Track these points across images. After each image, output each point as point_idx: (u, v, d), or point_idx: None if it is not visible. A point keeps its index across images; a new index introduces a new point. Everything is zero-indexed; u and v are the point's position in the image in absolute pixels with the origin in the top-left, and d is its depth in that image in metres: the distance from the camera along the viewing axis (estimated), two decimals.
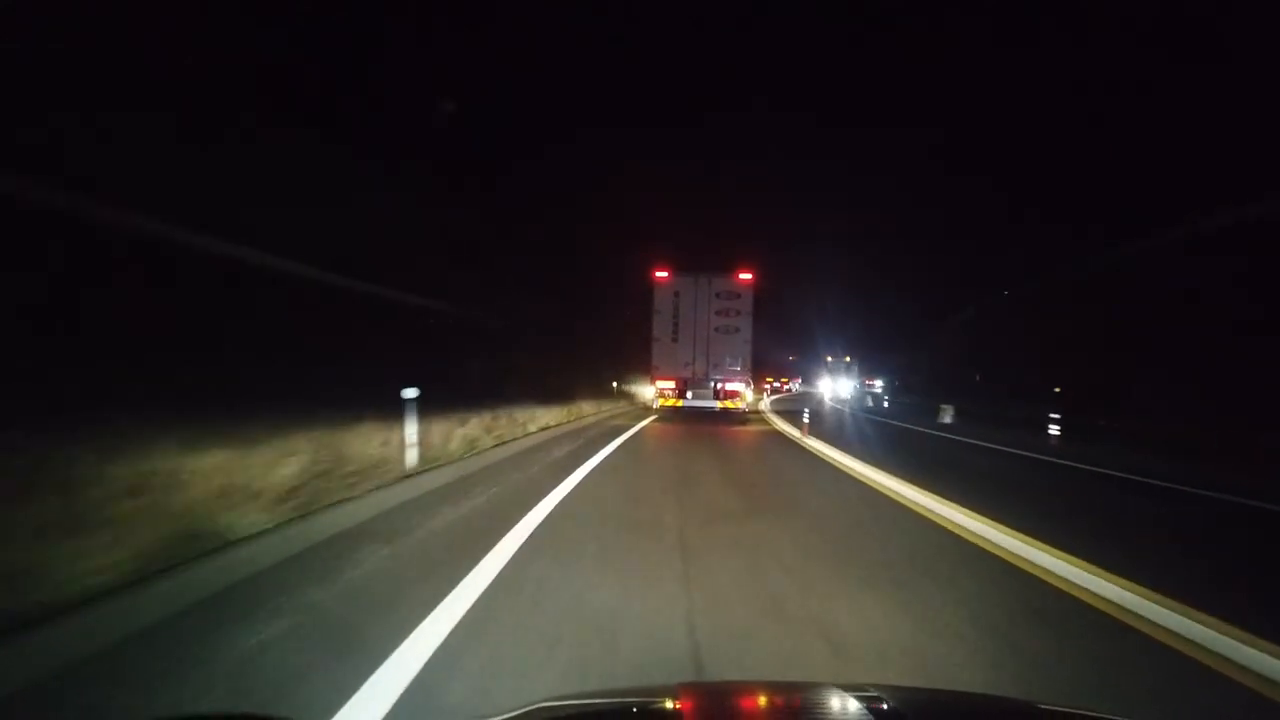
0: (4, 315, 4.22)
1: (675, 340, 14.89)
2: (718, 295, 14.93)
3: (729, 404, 14.91)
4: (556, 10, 28.14)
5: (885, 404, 32.96)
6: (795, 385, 59.98)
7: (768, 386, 42.45)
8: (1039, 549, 3.83)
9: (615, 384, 20.78)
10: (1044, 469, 8.74)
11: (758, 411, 19.57)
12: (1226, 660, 2.41)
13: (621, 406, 18.96)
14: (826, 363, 52.17)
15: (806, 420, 12.41)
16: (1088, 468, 8.70)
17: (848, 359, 54.46)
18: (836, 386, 49.02)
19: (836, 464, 7.92)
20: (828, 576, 3.22)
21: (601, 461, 7.37)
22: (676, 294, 14.91)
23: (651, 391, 15.25)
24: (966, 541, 4.09)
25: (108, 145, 5.26)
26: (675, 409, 14.88)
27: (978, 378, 27.59)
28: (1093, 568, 3.45)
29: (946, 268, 38.17)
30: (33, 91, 4.70)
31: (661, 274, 14.95)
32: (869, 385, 49.48)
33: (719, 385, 14.86)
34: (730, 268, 15.08)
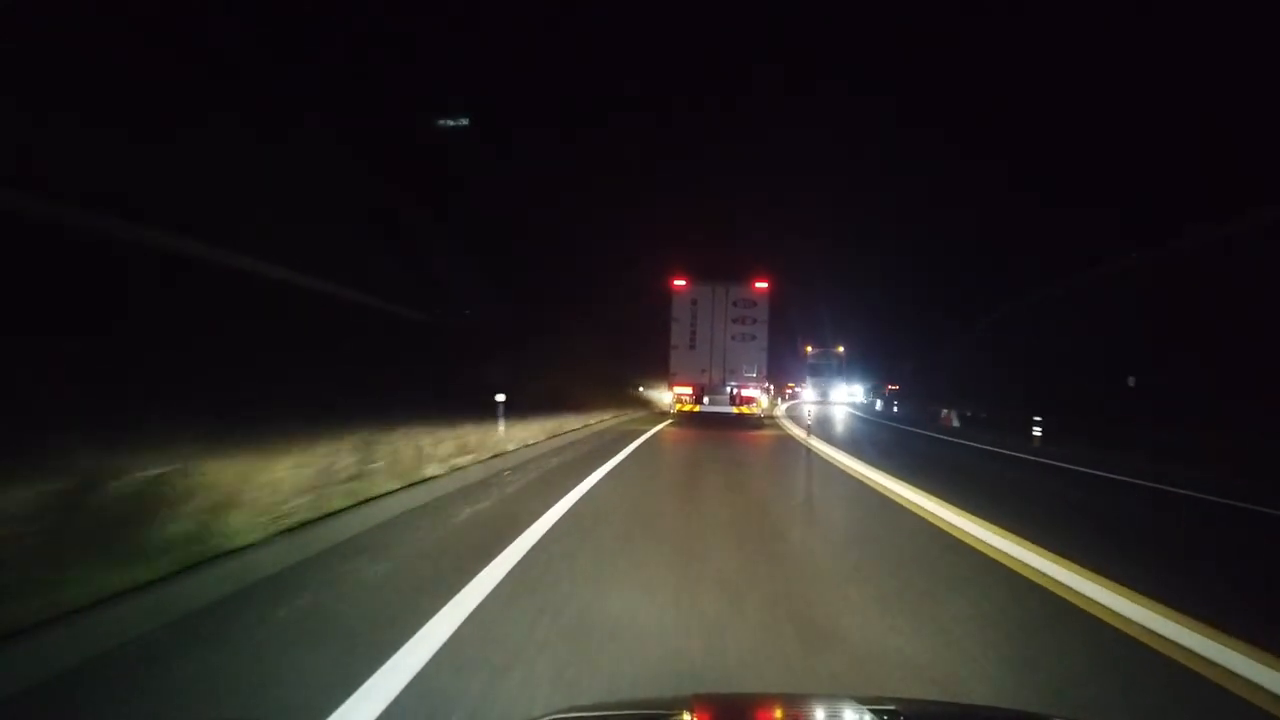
0: None
1: (693, 347, 15.32)
2: (734, 304, 15.13)
3: (745, 409, 15.07)
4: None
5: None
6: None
7: (789, 392, 37.59)
8: None
9: (635, 390, 21.55)
10: None
11: (772, 417, 19.00)
12: None
13: (640, 411, 19.53)
14: (805, 357, 35.57)
15: None
16: None
17: (839, 349, 36.69)
18: (824, 390, 35.62)
19: None
20: None
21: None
22: (694, 302, 15.32)
23: (669, 397, 15.89)
24: None
25: None
26: (692, 414, 15.37)
27: (1131, 382, 22.61)
28: None
29: (978, 265, 31.07)
30: None
31: (679, 283, 15.44)
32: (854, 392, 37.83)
33: (735, 391, 15.08)
34: (747, 276, 15.19)
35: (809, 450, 10.56)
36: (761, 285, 15.08)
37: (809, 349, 35.12)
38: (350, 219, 10.61)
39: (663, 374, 16.56)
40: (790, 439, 13.02)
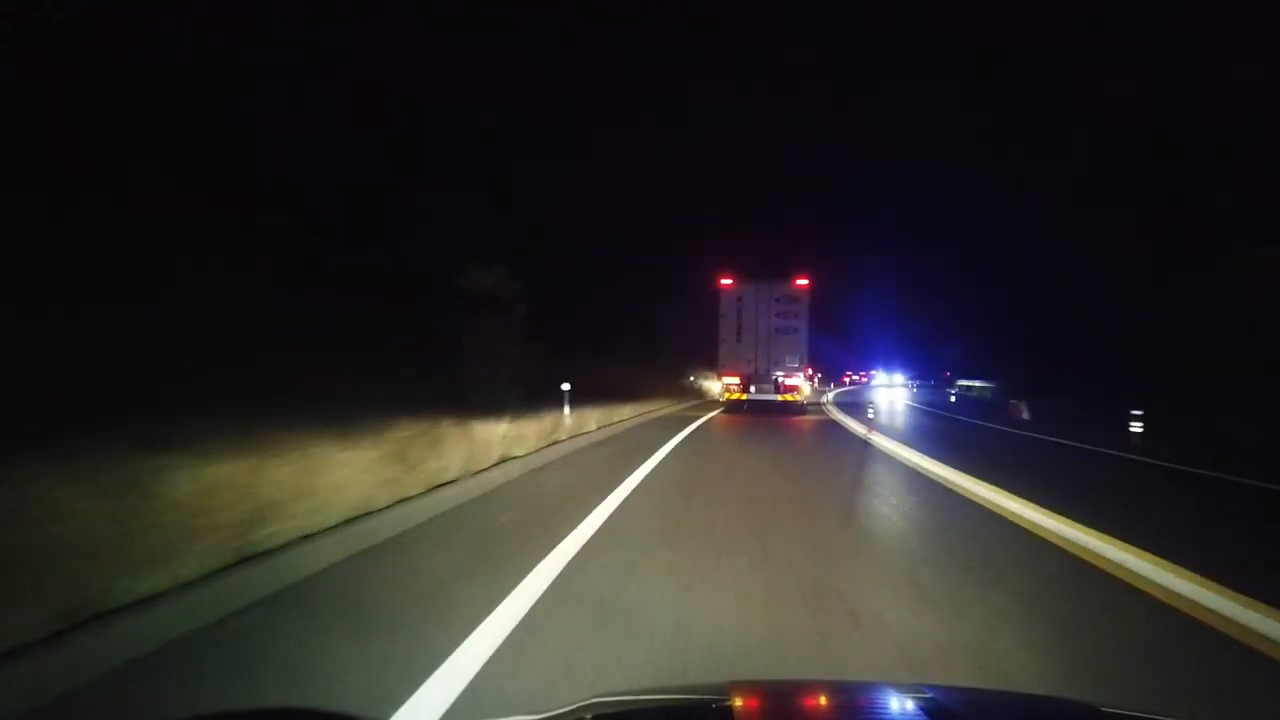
0: None
1: (740, 341, 16.90)
2: (777, 300, 16.63)
3: (788, 397, 16.61)
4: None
5: None
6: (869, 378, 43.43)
7: (848, 380, 37.24)
8: None
9: (690, 380, 23.16)
10: None
11: (817, 404, 20.39)
12: None
13: (695, 400, 21.57)
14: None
15: None
16: None
17: None
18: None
19: None
20: None
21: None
22: (740, 299, 16.87)
23: (719, 387, 17.51)
24: None
25: None
26: (740, 401, 16.96)
27: None
28: None
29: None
30: None
31: (726, 282, 17.00)
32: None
33: (779, 380, 16.57)
34: (788, 275, 16.59)
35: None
36: (802, 283, 16.53)
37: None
38: None
39: (712, 365, 18.18)
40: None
